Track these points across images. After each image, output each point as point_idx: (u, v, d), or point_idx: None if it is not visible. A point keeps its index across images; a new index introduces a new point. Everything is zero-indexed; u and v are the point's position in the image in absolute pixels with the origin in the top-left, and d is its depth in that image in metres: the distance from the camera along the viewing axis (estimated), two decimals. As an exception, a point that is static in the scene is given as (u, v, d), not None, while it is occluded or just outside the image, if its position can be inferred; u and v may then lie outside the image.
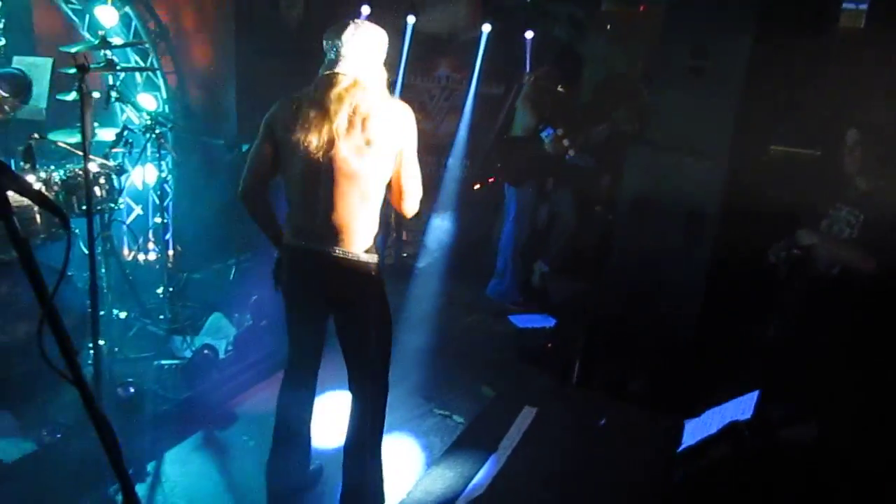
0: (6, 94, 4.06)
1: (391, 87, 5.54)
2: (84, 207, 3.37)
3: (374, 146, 2.68)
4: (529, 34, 6.37)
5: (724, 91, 4.48)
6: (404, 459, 3.72)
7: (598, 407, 4.22)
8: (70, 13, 5.04)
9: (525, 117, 5.55)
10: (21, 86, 4.18)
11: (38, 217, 3.63)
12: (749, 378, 4.02)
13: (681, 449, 3.34)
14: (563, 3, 6.80)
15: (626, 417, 4.15)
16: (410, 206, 2.89)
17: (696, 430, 3.37)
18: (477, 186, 6.71)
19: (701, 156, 4.59)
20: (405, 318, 5.33)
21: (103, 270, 4.05)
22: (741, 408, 3.23)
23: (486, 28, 6.21)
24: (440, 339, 5.10)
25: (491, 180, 6.51)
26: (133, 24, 5.27)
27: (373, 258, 2.83)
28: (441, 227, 6.39)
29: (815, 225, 4.00)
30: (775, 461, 3.23)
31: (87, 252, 3.32)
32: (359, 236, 2.78)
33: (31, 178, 3.66)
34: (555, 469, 3.67)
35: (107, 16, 5.00)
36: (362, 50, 2.72)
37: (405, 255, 6.64)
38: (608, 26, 6.82)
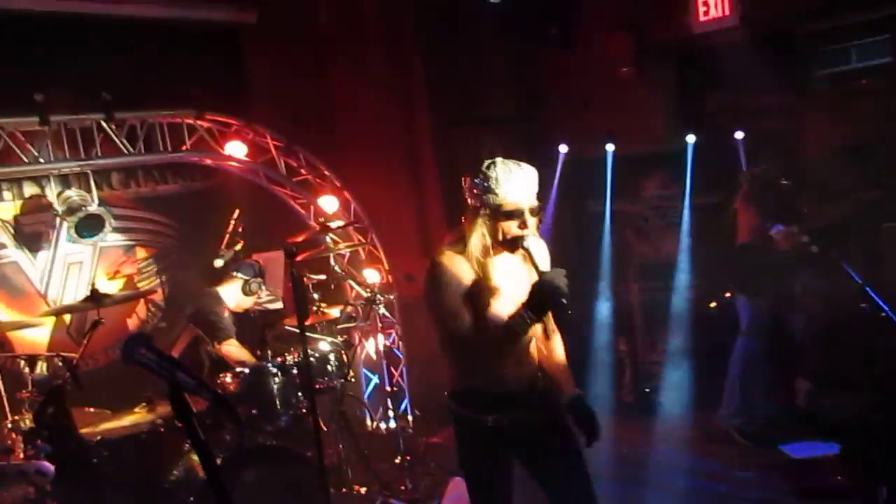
0: (247, 277, 4.54)
1: (595, 216, 5.31)
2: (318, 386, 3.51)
3: None
4: (740, 134, 5.98)
5: None
6: None
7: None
8: (298, 207, 5.60)
9: (749, 219, 5.09)
10: (258, 271, 4.68)
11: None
12: None
13: None
14: (770, 95, 6.30)
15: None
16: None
17: None
18: (713, 304, 6.17)
19: None
20: (654, 457, 4.93)
21: (340, 447, 4.13)
22: None
23: (691, 139, 5.95)
24: (697, 481, 4.53)
25: (728, 295, 5.97)
26: (352, 206, 5.70)
27: (452, 404, 2.86)
28: (679, 352, 5.91)
29: None
30: None
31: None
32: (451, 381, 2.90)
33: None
34: None
35: (328, 203, 5.48)
36: None
37: (647, 389, 6.17)
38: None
